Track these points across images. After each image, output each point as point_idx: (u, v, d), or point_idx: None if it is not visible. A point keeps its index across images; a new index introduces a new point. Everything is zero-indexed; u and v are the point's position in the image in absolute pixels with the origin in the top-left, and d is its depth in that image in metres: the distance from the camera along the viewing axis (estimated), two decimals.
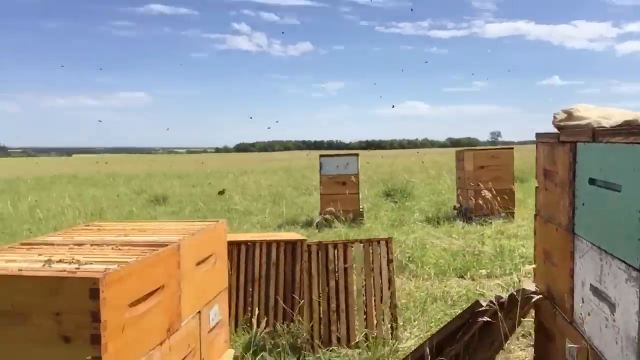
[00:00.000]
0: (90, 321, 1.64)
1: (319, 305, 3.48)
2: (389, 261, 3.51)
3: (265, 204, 11.96)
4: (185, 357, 2.25)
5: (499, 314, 2.52)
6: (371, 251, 3.52)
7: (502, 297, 2.54)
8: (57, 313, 1.65)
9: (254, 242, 3.81)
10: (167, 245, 2.13)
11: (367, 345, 3.30)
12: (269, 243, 3.81)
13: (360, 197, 9.23)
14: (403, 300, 4.22)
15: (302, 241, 3.77)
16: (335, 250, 3.51)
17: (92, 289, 1.63)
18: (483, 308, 2.52)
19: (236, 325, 3.72)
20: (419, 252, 6.23)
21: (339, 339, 3.42)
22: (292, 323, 3.70)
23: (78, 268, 1.76)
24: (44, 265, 1.82)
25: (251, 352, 3.28)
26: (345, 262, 3.50)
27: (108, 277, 1.67)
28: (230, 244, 3.77)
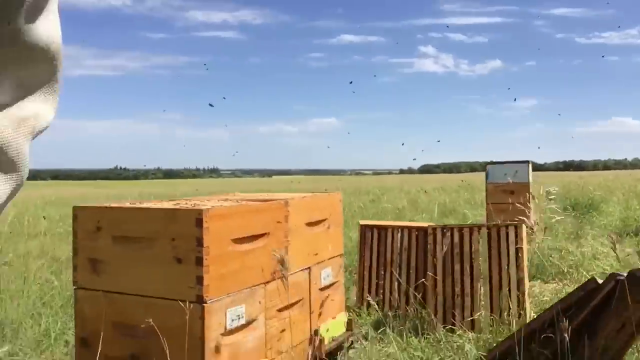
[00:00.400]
0: (196, 245, 1.99)
1: (444, 288, 3.50)
2: (518, 248, 3.40)
3: (431, 216, 11.89)
4: (293, 304, 2.52)
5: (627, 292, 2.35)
6: (498, 237, 3.45)
7: (620, 274, 2.37)
8: (172, 238, 2.04)
9: (386, 227, 3.97)
10: (275, 200, 2.44)
11: (490, 330, 3.23)
12: (401, 228, 3.94)
13: (532, 207, 8.74)
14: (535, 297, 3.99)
15: (433, 228, 3.82)
16: (461, 235, 3.51)
17: (197, 218, 1.99)
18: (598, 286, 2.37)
19: (368, 306, 3.89)
20: (586, 262, 5.74)
21: (462, 323, 3.40)
22: (419, 305, 3.76)
23: (193, 206, 2.15)
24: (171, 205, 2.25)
25: (379, 331, 3.43)
26: (471, 246, 3.49)
27: (211, 211, 2.01)
28: (365, 227, 4.00)
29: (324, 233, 2.82)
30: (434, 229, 3.59)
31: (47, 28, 0.51)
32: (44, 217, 7.25)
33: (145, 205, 2.20)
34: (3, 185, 0.57)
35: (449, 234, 3.55)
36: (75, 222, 2.25)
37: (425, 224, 3.97)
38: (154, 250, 2.08)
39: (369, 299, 3.86)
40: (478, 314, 3.37)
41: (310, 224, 2.70)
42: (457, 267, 3.50)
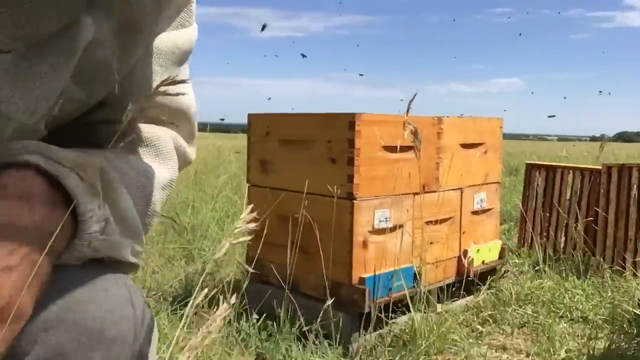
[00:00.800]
0: (348, 147, 2.17)
1: (615, 232, 3.26)
2: None
3: None
4: (443, 221, 2.60)
5: None
6: None
7: None
8: (328, 140, 2.24)
9: (555, 168, 3.77)
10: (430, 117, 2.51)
11: None
12: (572, 169, 3.71)
13: None
14: None
15: (607, 167, 3.54)
16: None
17: (350, 122, 2.15)
18: None
19: (530, 246, 3.78)
20: None
21: (634, 268, 3.15)
22: (586, 249, 3.55)
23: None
24: None
25: (537, 268, 3.34)
26: None
27: (363, 116, 2.16)
28: (532, 166, 3.85)
29: (480, 157, 2.81)
30: (609, 167, 3.33)
31: None
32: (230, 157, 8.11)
33: (306, 111, 2.43)
34: (192, 150, 0.76)
35: (626, 174, 3.26)
36: (250, 128, 2.57)
37: (598, 167, 3.68)
38: (312, 152, 2.30)
39: (531, 240, 3.75)
40: None
41: (465, 146, 2.71)
42: (632, 209, 3.22)
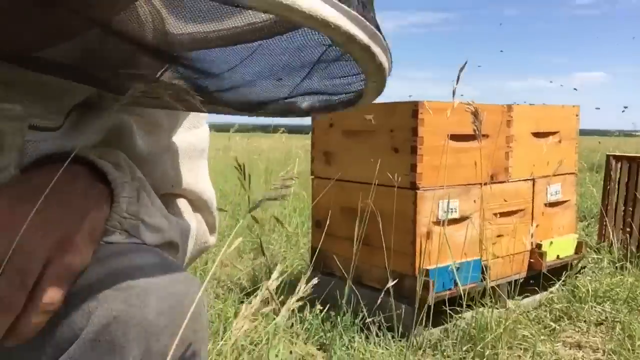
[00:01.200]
0: (411, 135, 2.13)
1: None
2: None
3: None
4: (513, 213, 2.50)
5: None
6: None
7: None
8: (391, 130, 2.21)
9: (638, 159, 3.53)
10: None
11: None
12: None
13: None
14: None
15: None
16: None
17: (414, 110, 2.12)
18: None
19: (610, 242, 3.56)
20: None
21: None
22: None
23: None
24: None
25: (618, 264, 3.15)
26: None
27: (427, 103, 2.12)
28: (613, 158, 3.63)
29: (554, 146, 2.68)
30: None
31: None
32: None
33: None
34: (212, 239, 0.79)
35: None
36: (313, 120, 2.58)
37: None
38: (375, 142, 2.28)
39: (612, 236, 3.53)
40: None
41: (537, 135, 2.60)
42: None
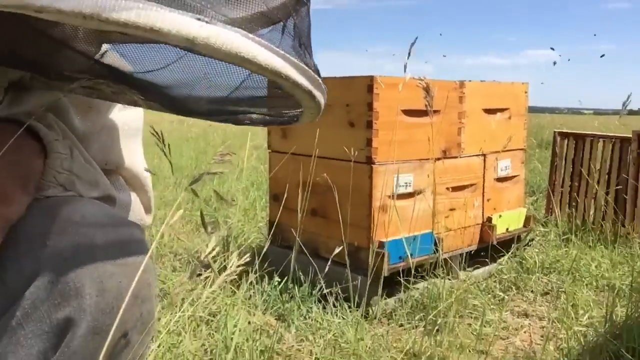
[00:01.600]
0: (367, 110, 2.16)
1: None
2: None
3: None
4: (465, 187, 2.57)
5: None
6: None
7: None
8: (347, 104, 2.23)
9: (584, 136, 3.68)
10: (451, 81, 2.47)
11: None
12: (602, 138, 3.62)
13: None
14: None
15: (638, 134, 3.44)
16: None
17: (369, 85, 2.14)
18: None
19: (557, 218, 3.72)
20: None
21: None
22: (616, 220, 3.47)
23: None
24: None
25: (563, 237, 3.29)
26: None
27: (381, 78, 2.15)
28: (560, 134, 3.77)
29: (504, 123, 2.77)
30: (639, 134, 3.24)
31: None
32: None
33: (323, 76, 2.42)
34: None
35: None
36: None
37: (629, 135, 3.58)
38: (331, 116, 2.30)
39: (558, 210, 3.68)
40: None
41: (488, 111, 2.67)
42: None
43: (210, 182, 4.01)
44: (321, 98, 0.51)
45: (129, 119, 0.75)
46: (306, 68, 0.47)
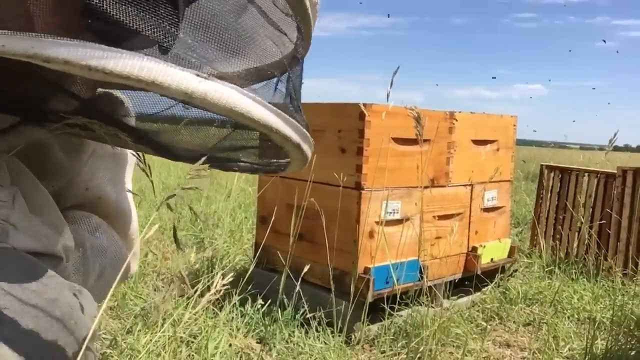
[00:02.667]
0: (358, 137, 2.18)
1: (628, 236, 3.22)
2: None
3: None
4: (451, 216, 2.60)
5: None
6: None
7: None
8: (339, 130, 2.26)
9: (570, 170, 3.74)
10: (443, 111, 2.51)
11: None
12: (588, 172, 3.67)
13: None
14: None
15: (623, 170, 3.50)
16: None
17: (361, 112, 2.17)
18: None
19: (541, 250, 3.75)
20: None
21: None
22: (599, 253, 3.51)
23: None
24: None
25: (547, 269, 3.32)
26: None
27: (374, 106, 2.18)
28: (546, 168, 3.82)
29: (491, 154, 2.81)
30: (624, 171, 3.30)
31: None
32: None
33: (316, 101, 2.45)
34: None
35: None
36: None
37: (614, 170, 3.64)
38: (323, 141, 2.32)
39: (542, 242, 3.71)
40: None
41: (477, 142, 2.71)
42: None
43: (198, 203, 4.00)
44: (308, 150, 0.55)
45: (118, 150, 0.74)
46: (296, 123, 0.50)
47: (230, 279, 1.09)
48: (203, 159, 0.54)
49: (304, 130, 0.52)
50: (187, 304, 2.06)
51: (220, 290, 1.06)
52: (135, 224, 0.78)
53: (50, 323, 0.49)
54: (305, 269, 1.90)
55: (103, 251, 0.70)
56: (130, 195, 0.77)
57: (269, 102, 0.46)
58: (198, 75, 0.40)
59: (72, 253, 0.63)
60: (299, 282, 2.16)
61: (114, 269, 0.72)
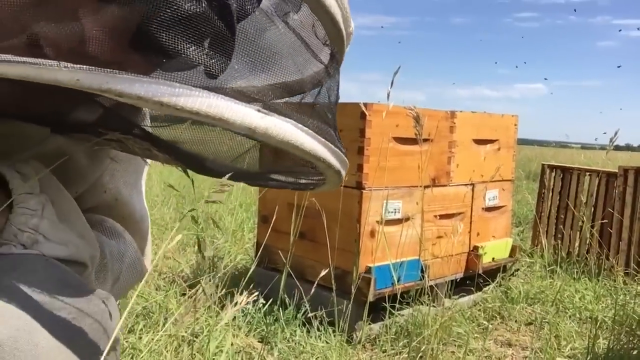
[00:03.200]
0: (359, 136, 2.18)
1: (630, 235, 3.22)
2: None
3: None
4: (453, 215, 2.60)
5: None
6: None
7: None
8: (340, 130, 2.25)
9: (572, 170, 3.73)
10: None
11: None
12: (589, 172, 3.67)
13: None
14: None
15: (624, 169, 3.50)
16: None
17: (362, 112, 2.17)
18: None
19: (542, 249, 3.75)
20: None
21: None
22: (600, 252, 3.51)
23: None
24: None
25: (549, 268, 3.31)
26: None
27: (374, 105, 2.18)
28: (548, 167, 3.82)
29: (493, 154, 2.80)
30: (626, 170, 3.30)
31: None
32: None
33: None
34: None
35: None
36: None
37: (615, 170, 3.64)
38: None
39: (544, 241, 3.71)
40: None
41: (478, 142, 2.71)
42: None
43: (198, 202, 4.01)
44: (344, 174, 0.58)
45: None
46: (340, 152, 0.55)
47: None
48: (230, 173, 0.55)
49: (345, 158, 0.57)
50: (188, 303, 2.07)
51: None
52: (148, 224, 0.78)
53: (81, 331, 0.49)
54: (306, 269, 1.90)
55: (121, 256, 0.70)
56: (143, 196, 0.77)
57: (318, 132, 0.50)
58: (259, 111, 0.43)
59: (96, 260, 0.63)
60: (300, 282, 2.17)
61: (130, 272, 0.73)
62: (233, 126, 0.42)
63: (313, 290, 2.29)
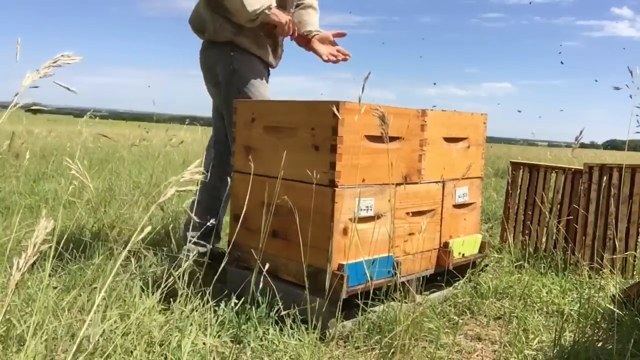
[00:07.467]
0: (331, 134, 2.19)
1: (594, 231, 3.31)
2: None
3: None
4: (424, 212, 2.63)
5: None
6: None
7: None
8: (312, 128, 2.26)
9: (538, 167, 3.82)
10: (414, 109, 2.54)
11: None
12: (555, 169, 3.76)
13: None
14: None
15: (589, 166, 3.59)
16: (621, 175, 3.26)
17: (334, 110, 2.17)
18: None
19: (510, 244, 3.82)
20: None
21: (611, 266, 3.20)
22: (566, 247, 3.60)
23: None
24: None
25: (517, 264, 3.38)
26: (632, 188, 3.23)
27: (347, 104, 2.18)
28: (515, 165, 3.89)
29: (462, 151, 2.85)
30: (591, 167, 3.38)
31: None
32: None
33: (290, 99, 2.45)
34: None
35: (607, 173, 3.31)
36: (235, 114, 2.59)
37: (580, 167, 3.73)
38: (296, 139, 2.32)
39: (512, 237, 3.79)
40: (631, 257, 3.14)
41: (448, 140, 2.75)
42: (612, 208, 3.27)
43: (169, 200, 3.96)
44: None
45: None
46: None
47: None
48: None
49: None
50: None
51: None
52: None
53: None
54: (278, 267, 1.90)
55: None
56: None
57: None
58: None
59: None
60: (273, 280, 2.17)
61: None
62: None
63: (286, 288, 2.29)
